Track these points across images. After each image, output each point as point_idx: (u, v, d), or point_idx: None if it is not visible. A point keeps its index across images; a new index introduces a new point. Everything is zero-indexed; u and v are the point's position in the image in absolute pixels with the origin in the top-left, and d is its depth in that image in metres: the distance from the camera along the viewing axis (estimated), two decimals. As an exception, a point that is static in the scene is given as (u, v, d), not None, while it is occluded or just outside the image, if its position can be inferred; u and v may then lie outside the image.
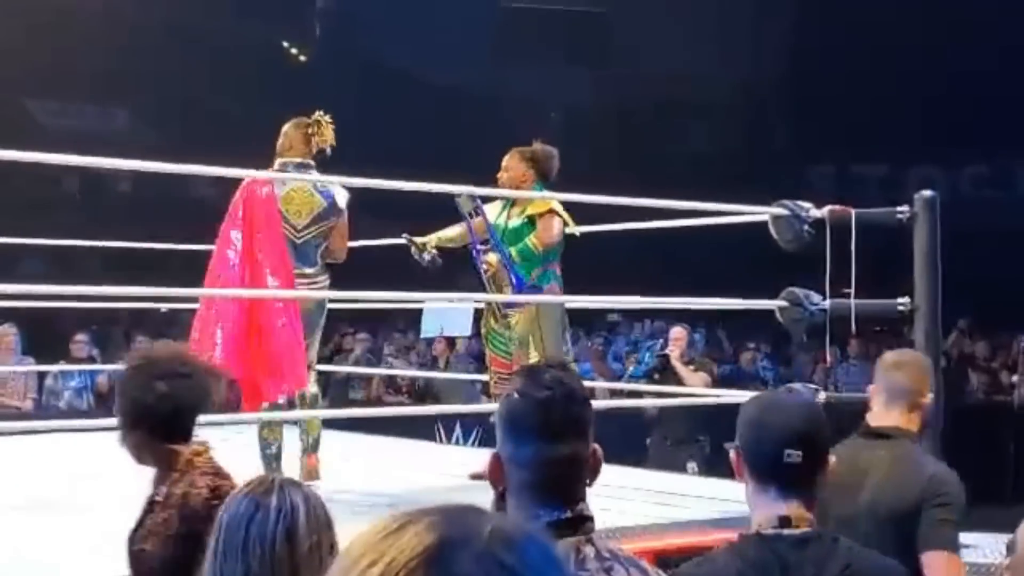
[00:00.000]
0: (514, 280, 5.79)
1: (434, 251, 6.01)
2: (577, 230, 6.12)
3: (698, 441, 8.77)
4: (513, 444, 2.00)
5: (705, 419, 8.36)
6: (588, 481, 2.04)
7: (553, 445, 1.99)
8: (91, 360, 10.43)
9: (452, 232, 6.09)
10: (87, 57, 16.01)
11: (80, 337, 10.48)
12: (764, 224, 5.61)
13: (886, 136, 18.43)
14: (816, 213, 5.48)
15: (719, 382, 9.16)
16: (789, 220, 5.48)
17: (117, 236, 7.90)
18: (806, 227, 5.47)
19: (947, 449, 5.26)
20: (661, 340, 9.52)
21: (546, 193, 5.88)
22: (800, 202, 5.52)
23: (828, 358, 8.77)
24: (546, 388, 2.03)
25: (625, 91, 20.25)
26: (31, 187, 13.46)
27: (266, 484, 2.16)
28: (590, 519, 2.01)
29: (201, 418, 3.08)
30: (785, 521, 2.29)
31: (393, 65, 19.17)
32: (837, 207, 5.48)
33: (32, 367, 9.77)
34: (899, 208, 5.30)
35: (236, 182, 5.67)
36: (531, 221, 5.90)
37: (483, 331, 6.16)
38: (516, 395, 2.02)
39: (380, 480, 5.89)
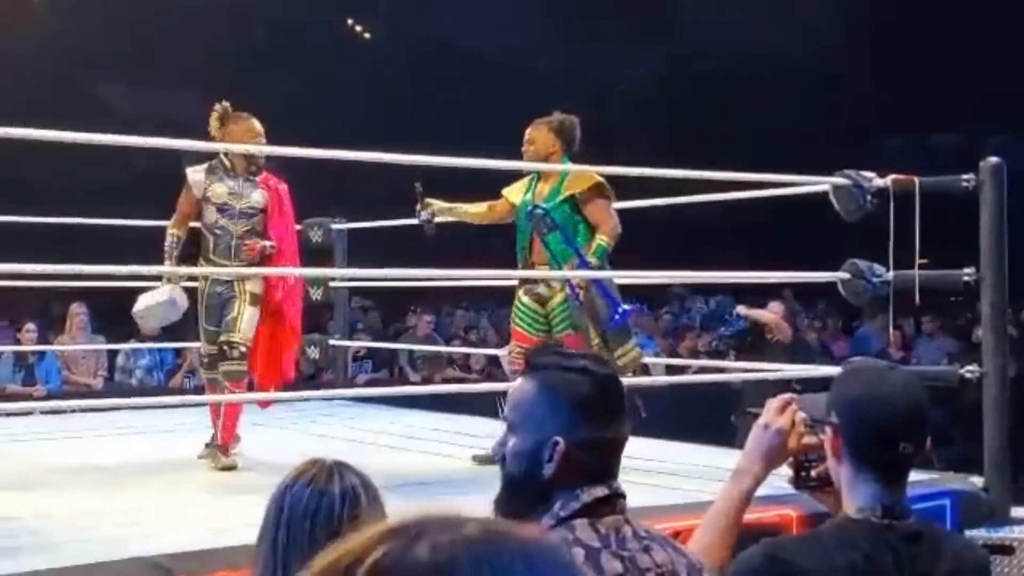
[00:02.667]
0: (611, 304, 5.51)
1: (431, 215, 5.86)
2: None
3: None
4: (570, 423, 1.97)
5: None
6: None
7: (611, 425, 1.99)
8: (160, 338, 10.54)
9: (475, 209, 5.95)
10: (157, 41, 16.18)
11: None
12: (826, 195, 5.53)
13: (961, 105, 18.12)
14: (879, 182, 5.39)
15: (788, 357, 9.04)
16: (851, 190, 5.39)
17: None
18: (869, 197, 5.37)
19: (1016, 418, 5.19)
20: (735, 314, 9.36)
21: (587, 168, 5.59)
22: (862, 171, 5.43)
23: (891, 331, 8.59)
24: (601, 367, 2.02)
25: (694, 65, 20.10)
26: (102, 169, 13.62)
27: (325, 470, 2.14)
28: (623, 496, 2.00)
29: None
30: (889, 511, 2.18)
31: (458, 43, 19.16)
32: (901, 176, 5.38)
33: (102, 345, 9.92)
34: (964, 176, 5.19)
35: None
36: (572, 199, 5.63)
37: (514, 304, 5.88)
38: (574, 375, 1.99)
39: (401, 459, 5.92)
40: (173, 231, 5.89)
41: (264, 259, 5.85)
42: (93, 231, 8.00)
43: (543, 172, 5.75)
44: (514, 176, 5.94)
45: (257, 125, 5.82)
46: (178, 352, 10.36)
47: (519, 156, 5.72)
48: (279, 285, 6.00)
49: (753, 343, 8.56)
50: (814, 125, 19.32)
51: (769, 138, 18.49)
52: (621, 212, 5.75)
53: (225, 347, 5.77)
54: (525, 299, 5.78)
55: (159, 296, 5.73)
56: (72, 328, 9.87)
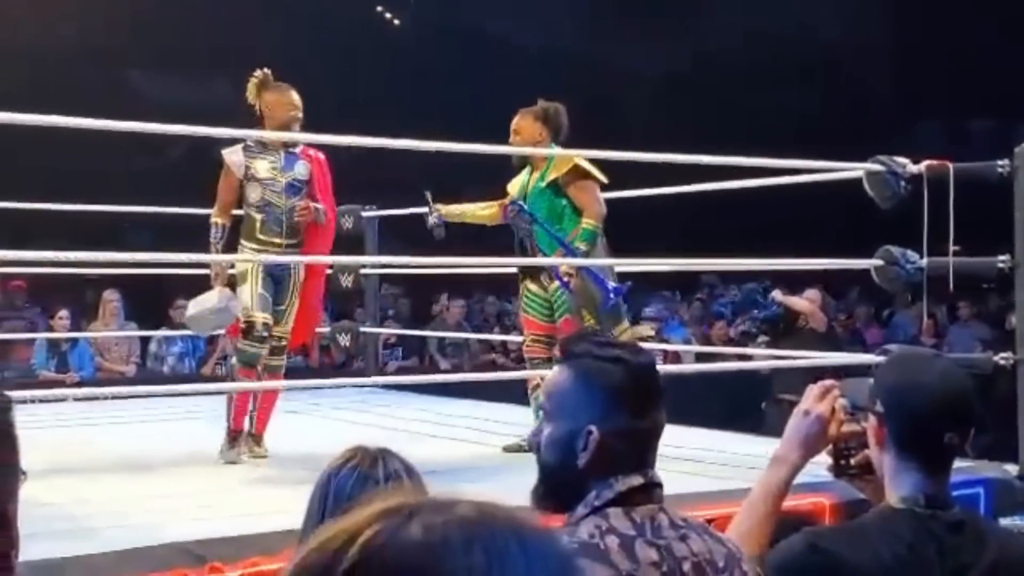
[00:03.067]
0: (601, 288, 5.56)
1: (439, 218, 5.89)
2: (604, 179, 5.79)
3: None
4: (604, 412, 1.95)
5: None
6: None
7: (647, 414, 1.98)
8: (193, 326, 10.60)
9: (486, 211, 5.98)
10: (188, 28, 16.22)
11: (181, 303, 10.65)
12: (859, 181, 5.49)
13: (994, 89, 17.94)
14: (913, 168, 5.34)
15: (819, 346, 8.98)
16: (885, 176, 5.35)
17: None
18: (903, 183, 5.33)
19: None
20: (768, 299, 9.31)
21: (570, 152, 5.63)
22: (896, 157, 5.39)
23: (925, 318, 8.53)
24: (636, 356, 2.02)
25: (724, 50, 19.99)
26: (135, 157, 13.69)
27: (369, 456, 2.15)
28: (660, 485, 1.99)
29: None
30: (932, 501, 2.16)
31: (485, 30, 19.12)
32: (935, 162, 5.34)
33: (135, 332, 9.98)
34: (999, 162, 5.14)
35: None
36: (555, 184, 5.68)
37: (520, 293, 5.96)
38: (608, 363, 1.97)
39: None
40: (217, 220, 5.70)
41: (315, 225, 5.71)
42: (124, 219, 8.04)
43: (535, 163, 5.78)
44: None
45: (295, 97, 5.68)
46: (210, 339, 10.41)
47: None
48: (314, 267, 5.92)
49: (785, 329, 8.53)
50: (843, 110, 19.18)
51: (798, 123, 18.38)
52: (648, 199, 5.75)
53: (274, 339, 5.66)
54: (532, 287, 5.85)
55: (210, 302, 5.51)
56: (105, 315, 9.94)
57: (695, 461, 5.09)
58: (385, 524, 0.83)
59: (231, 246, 5.75)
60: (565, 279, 5.54)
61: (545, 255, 5.64)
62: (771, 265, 7.82)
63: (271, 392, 5.73)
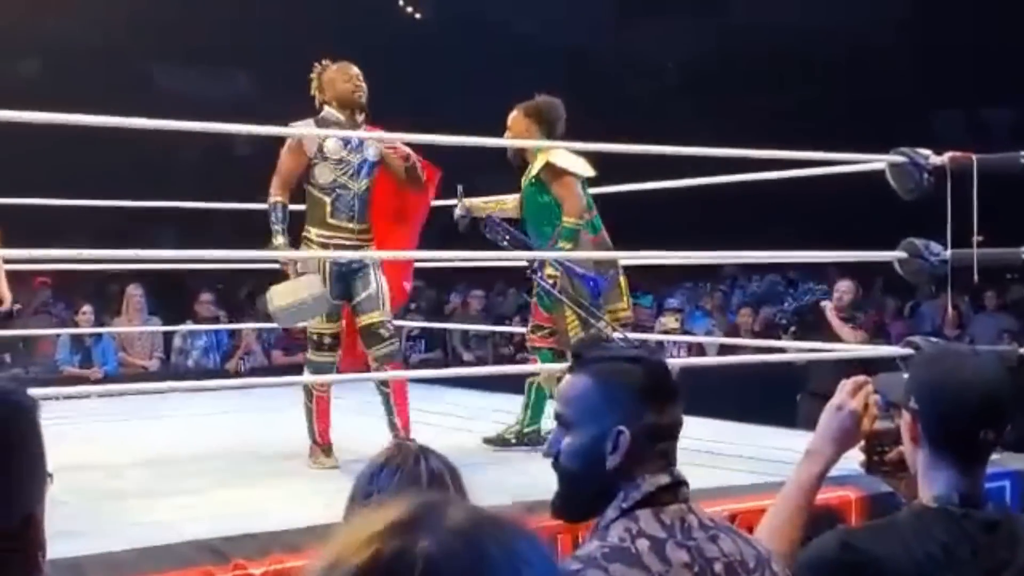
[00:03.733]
0: (584, 282, 5.53)
1: (466, 211, 5.88)
2: (590, 172, 5.75)
3: None
4: (631, 412, 1.95)
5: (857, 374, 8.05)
6: None
7: (668, 411, 1.98)
8: (216, 320, 10.65)
9: (509, 205, 5.96)
10: (207, 21, 16.26)
11: (205, 297, 10.70)
12: (882, 173, 5.46)
13: (1013, 79, 17.83)
14: (936, 160, 5.31)
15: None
16: (908, 168, 5.32)
17: (238, 199, 8.00)
18: (926, 175, 5.30)
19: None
20: (823, 290, 9.21)
21: (577, 144, 5.56)
22: (919, 149, 5.36)
23: (950, 309, 8.47)
24: (649, 354, 2.02)
25: (746, 42, 19.94)
26: (155, 151, 13.72)
27: (412, 454, 2.15)
28: (685, 483, 1.98)
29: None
30: (965, 499, 2.13)
31: (508, 22, 19.11)
32: (958, 153, 5.30)
33: (158, 327, 10.02)
34: (1021, 152, 5.12)
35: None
36: (538, 181, 5.67)
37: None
38: (626, 363, 1.97)
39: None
40: (277, 198, 5.31)
41: (412, 171, 5.40)
42: (146, 213, 8.05)
43: (530, 159, 5.77)
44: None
45: (353, 69, 5.40)
46: (233, 334, 10.45)
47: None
48: (395, 237, 5.61)
49: (813, 322, 8.47)
50: (864, 99, 19.09)
51: (820, 113, 18.31)
52: (670, 191, 5.73)
53: (375, 329, 5.33)
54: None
55: (301, 294, 5.15)
56: (128, 310, 9.99)
57: (715, 454, 5.08)
58: (387, 543, 0.83)
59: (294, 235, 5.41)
60: (551, 282, 5.53)
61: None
62: (794, 257, 7.79)
63: (402, 395, 5.36)
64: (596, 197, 5.90)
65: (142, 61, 17.48)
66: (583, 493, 1.97)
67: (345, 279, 5.35)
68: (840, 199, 10.97)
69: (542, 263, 5.52)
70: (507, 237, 5.57)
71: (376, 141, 5.35)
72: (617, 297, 5.78)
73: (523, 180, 5.82)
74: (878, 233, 5.87)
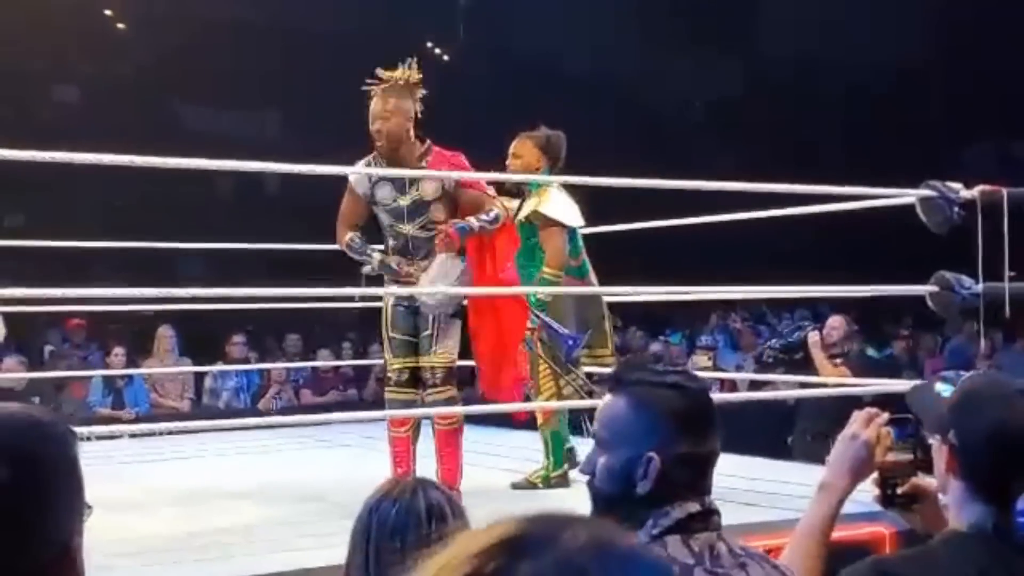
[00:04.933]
0: (560, 339, 5.51)
1: None
2: (579, 222, 5.71)
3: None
4: (665, 439, 1.95)
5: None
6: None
7: (705, 440, 1.97)
8: (246, 361, 10.67)
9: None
10: (239, 64, 16.40)
11: (236, 338, 10.73)
12: (912, 207, 5.44)
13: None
14: (966, 194, 5.29)
15: (873, 371, 8.82)
16: (938, 202, 5.29)
17: (270, 238, 8.02)
18: (956, 209, 5.27)
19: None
20: (813, 325, 9.13)
21: (569, 178, 5.51)
22: (949, 183, 5.34)
23: (983, 343, 8.39)
24: (692, 382, 2.01)
25: (773, 75, 19.96)
26: (185, 191, 13.82)
27: (408, 487, 2.15)
28: (717, 512, 1.97)
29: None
30: (999, 529, 2.11)
31: (535, 58, 19.18)
32: (988, 187, 5.28)
33: (189, 368, 10.05)
34: (1054, 186, 5.09)
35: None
36: (529, 223, 5.63)
37: None
38: (666, 390, 1.97)
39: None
40: (344, 239, 5.23)
41: (471, 239, 5.17)
42: (176, 253, 8.08)
43: (530, 191, 5.72)
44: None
45: (374, 107, 5.24)
46: (263, 374, 10.47)
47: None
48: (487, 276, 5.33)
49: (804, 358, 8.36)
50: (892, 134, 19.04)
51: (847, 147, 18.27)
52: (698, 227, 5.69)
53: (427, 372, 5.17)
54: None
55: (450, 269, 5.08)
56: (160, 351, 10.03)
57: (751, 491, 5.05)
58: (494, 562, 0.83)
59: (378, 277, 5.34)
60: (536, 347, 5.55)
61: None
62: (823, 292, 7.75)
63: (449, 445, 5.20)
64: (623, 234, 5.90)
65: (171, 100, 17.65)
66: (613, 515, 1.95)
67: (412, 317, 5.23)
68: (869, 232, 10.93)
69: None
70: None
71: (436, 179, 5.16)
72: (602, 343, 5.80)
73: (516, 215, 5.72)
74: (906, 267, 5.83)
